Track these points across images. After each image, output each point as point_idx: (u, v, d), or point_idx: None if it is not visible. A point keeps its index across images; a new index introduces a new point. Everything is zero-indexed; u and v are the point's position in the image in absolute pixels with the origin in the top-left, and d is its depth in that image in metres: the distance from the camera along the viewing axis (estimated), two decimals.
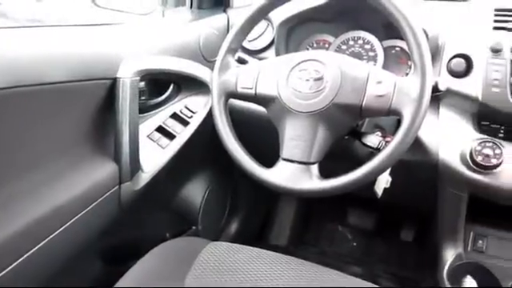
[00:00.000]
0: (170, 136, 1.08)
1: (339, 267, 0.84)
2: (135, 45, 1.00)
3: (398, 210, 1.55)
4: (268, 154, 0.86)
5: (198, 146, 1.21)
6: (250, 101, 0.91)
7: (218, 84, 0.91)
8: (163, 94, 1.13)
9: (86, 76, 0.86)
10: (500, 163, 0.90)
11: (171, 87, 1.14)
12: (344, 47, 1.12)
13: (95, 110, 0.91)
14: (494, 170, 0.91)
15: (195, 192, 1.37)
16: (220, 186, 1.49)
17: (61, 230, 0.83)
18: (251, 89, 0.88)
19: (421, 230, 1.60)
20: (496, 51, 0.92)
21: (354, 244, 1.70)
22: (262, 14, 0.92)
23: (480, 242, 1.08)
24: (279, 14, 1.10)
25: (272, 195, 1.73)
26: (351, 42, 1.12)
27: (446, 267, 1.06)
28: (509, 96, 0.90)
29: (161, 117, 1.10)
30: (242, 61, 0.99)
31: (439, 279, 1.06)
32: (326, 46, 1.16)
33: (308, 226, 1.76)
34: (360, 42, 1.11)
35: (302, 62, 0.85)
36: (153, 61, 1.02)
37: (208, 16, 1.26)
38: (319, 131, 0.81)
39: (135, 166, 0.98)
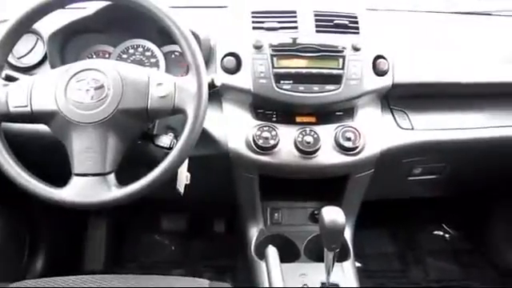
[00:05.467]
0: None
1: (162, 274, 0.85)
2: None
3: (206, 205, 1.63)
4: (59, 173, 0.81)
5: None
6: (26, 121, 0.84)
7: None
8: None
9: None
10: (277, 143, 1.04)
11: None
12: (125, 56, 1.12)
13: None
14: (274, 150, 1.04)
15: None
16: (14, 222, 1.33)
17: None
18: (26, 106, 0.81)
19: (230, 218, 1.73)
20: (258, 48, 1.05)
21: (173, 248, 1.73)
22: (22, 28, 0.86)
23: (276, 215, 1.23)
24: (48, 27, 1.03)
25: (78, 219, 1.62)
26: (131, 51, 1.13)
27: (253, 244, 1.18)
28: (274, 85, 1.04)
29: None
30: (11, 79, 0.90)
31: (250, 257, 1.17)
32: (107, 56, 1.14)
33: (123, 242, 1.71)
34: (140, 49, 1.13)
35: (79, 72, 0.83)
36: None
37: None
38: (109, 140, 0.81)
39: None
